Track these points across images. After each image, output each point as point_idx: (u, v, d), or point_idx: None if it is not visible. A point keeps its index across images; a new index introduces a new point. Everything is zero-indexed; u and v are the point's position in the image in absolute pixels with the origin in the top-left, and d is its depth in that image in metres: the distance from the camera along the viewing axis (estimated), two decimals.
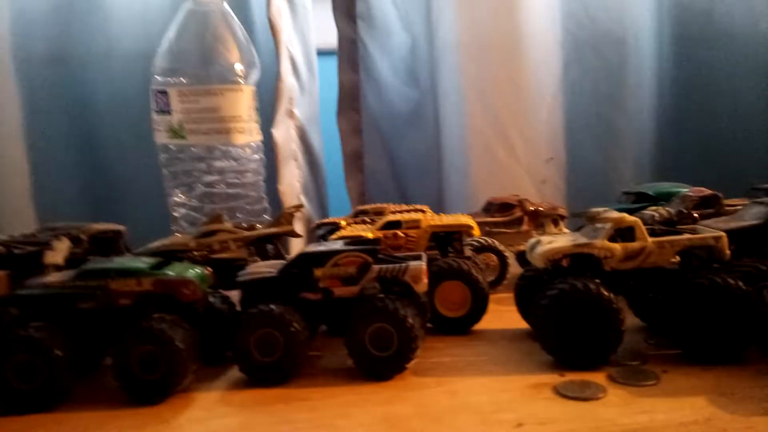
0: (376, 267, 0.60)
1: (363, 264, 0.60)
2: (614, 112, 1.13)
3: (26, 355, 0.54)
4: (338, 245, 0.63)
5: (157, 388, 0.55)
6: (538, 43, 1.09)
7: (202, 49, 0.87)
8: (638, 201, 0.90)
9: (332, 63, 1.16)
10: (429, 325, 0.67)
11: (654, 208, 0.76)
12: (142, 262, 0.59)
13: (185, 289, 0.58)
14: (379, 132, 1.17)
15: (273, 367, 0.58)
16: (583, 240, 0.62)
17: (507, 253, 0.87)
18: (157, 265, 0.60)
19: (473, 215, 0.83)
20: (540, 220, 0.92)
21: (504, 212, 0.93)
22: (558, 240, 0.65)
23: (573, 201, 1.10)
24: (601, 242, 0.60)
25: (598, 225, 0.63)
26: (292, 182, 1.07)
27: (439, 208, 0.92)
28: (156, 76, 0.87)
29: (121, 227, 0.79)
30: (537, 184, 1.12)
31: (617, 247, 0.60)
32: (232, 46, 0.89)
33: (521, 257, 0.91)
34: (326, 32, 1.16)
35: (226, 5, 0.90)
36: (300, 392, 0.56)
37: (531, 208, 0.92)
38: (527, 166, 1.12)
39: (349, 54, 1.15)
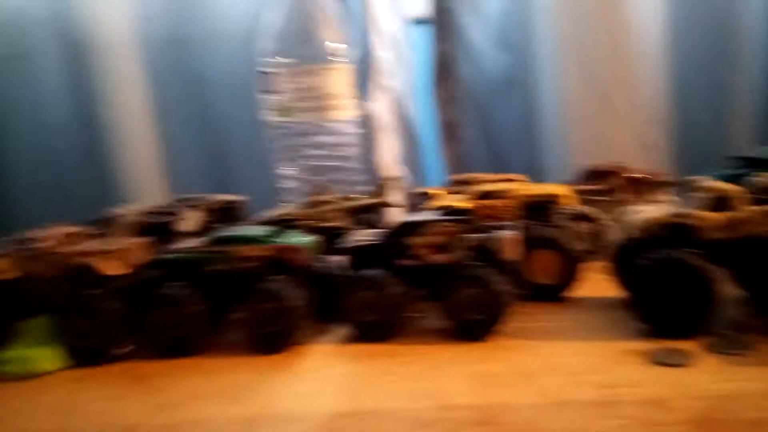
0: (468, 236, 0.64)
1: (456, 233, 0.64)
2: (725, 68, 1.06)
3: (170, 311, 0.64)
4: (433, 215, 0.67)
5: (275, 340, 0.63)
6: None
7: (303, 30, 0.92)
8: (746, 166, 0.85)
9: (424, 31, 1.18)
10: (521, 291, 0.70)
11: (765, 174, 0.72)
12: (262, 231, 0.68)
13: (295, 255, 0.65)
14: (474, 100, 1.18)
15: (377, 326, 0.64)
16: (681, 209, 0.62)
17: (604, 222, 0.86)
18: (273, 233, 0.67)
19: (572, 183, 0.83)
20: (641, 187, 0.90)
21: (602, 179, 0.92)
22: (656, 209, 0.65)
23: (681, 165, 1.06)
24: (698, 212, 0.60)
25: (697, 194, 0.62)
26: (389, 154, 1.12)
27: (537, 175, 0.93)
28: (262, 58, 0.95)
29: (242, 198, 0.89)
30: (642, 149, 1.08)
31: (715, 216, 0.59)
32: (330, 25, 0.94)
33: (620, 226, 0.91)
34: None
35: None
36: (401, 349, 0.62)
37: (631, 175, 0.90)
38: (631, 129, 1.08)
39: (444, 22, 1.16)
